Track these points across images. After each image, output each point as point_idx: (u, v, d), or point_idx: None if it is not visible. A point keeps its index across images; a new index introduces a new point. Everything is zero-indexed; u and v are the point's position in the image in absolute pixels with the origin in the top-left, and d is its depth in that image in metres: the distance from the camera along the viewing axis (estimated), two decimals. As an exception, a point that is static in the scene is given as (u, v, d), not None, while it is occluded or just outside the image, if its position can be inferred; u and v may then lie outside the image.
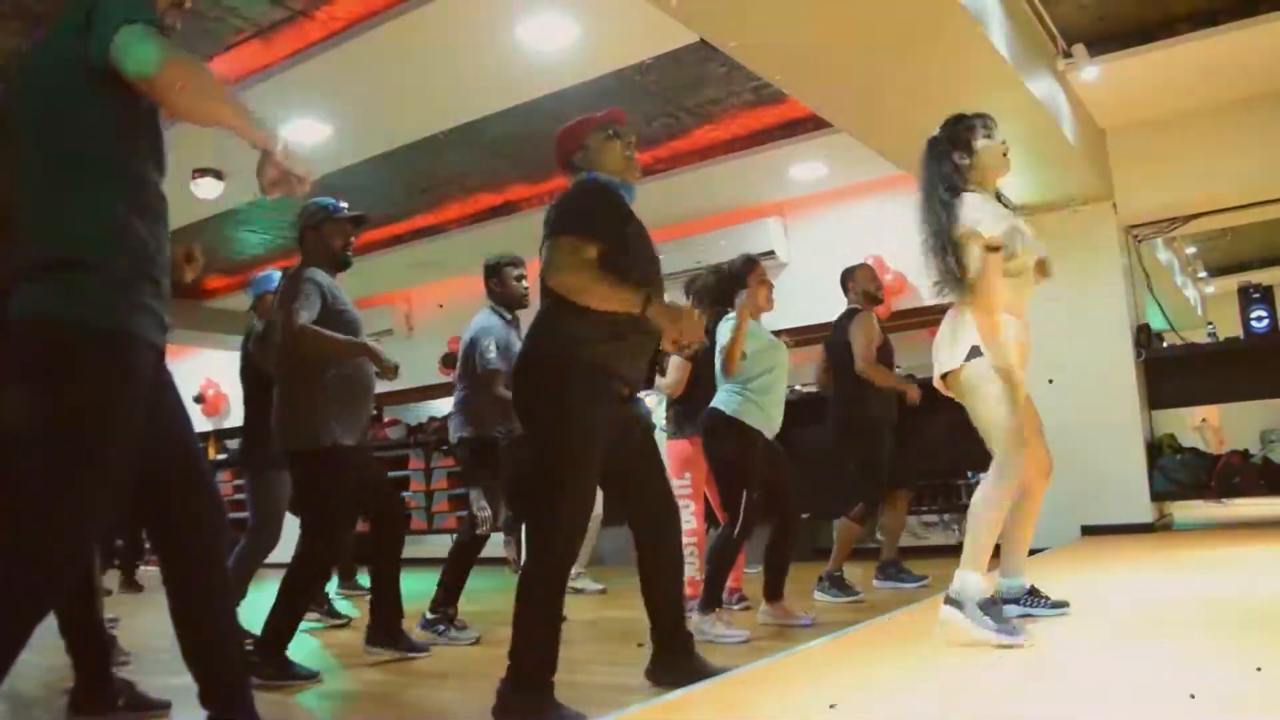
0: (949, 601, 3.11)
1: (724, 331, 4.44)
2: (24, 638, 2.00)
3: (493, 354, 4.74)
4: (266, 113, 6.49)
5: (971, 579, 3.08)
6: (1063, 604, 3.54)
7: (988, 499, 3.14)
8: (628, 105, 6.95)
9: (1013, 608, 3.42)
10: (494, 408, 4.75)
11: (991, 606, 3.04)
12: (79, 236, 2.13)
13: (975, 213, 3.24)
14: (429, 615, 4.55)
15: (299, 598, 3.78)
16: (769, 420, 4.42)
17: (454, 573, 4.64)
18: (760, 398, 4.40)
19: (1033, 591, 3.56)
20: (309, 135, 6.88)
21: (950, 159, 3.39)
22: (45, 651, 2.85)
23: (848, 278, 5.80)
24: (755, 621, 4.48)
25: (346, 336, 3.81)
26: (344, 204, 4.07)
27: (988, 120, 3.44)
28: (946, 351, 3.31)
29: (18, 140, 2.20)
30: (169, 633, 2.29)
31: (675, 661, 3.06)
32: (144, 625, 5.35)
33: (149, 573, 8.11)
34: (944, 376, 3.33)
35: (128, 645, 4.22)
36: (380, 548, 4.10)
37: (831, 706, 2.31)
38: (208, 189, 7.37)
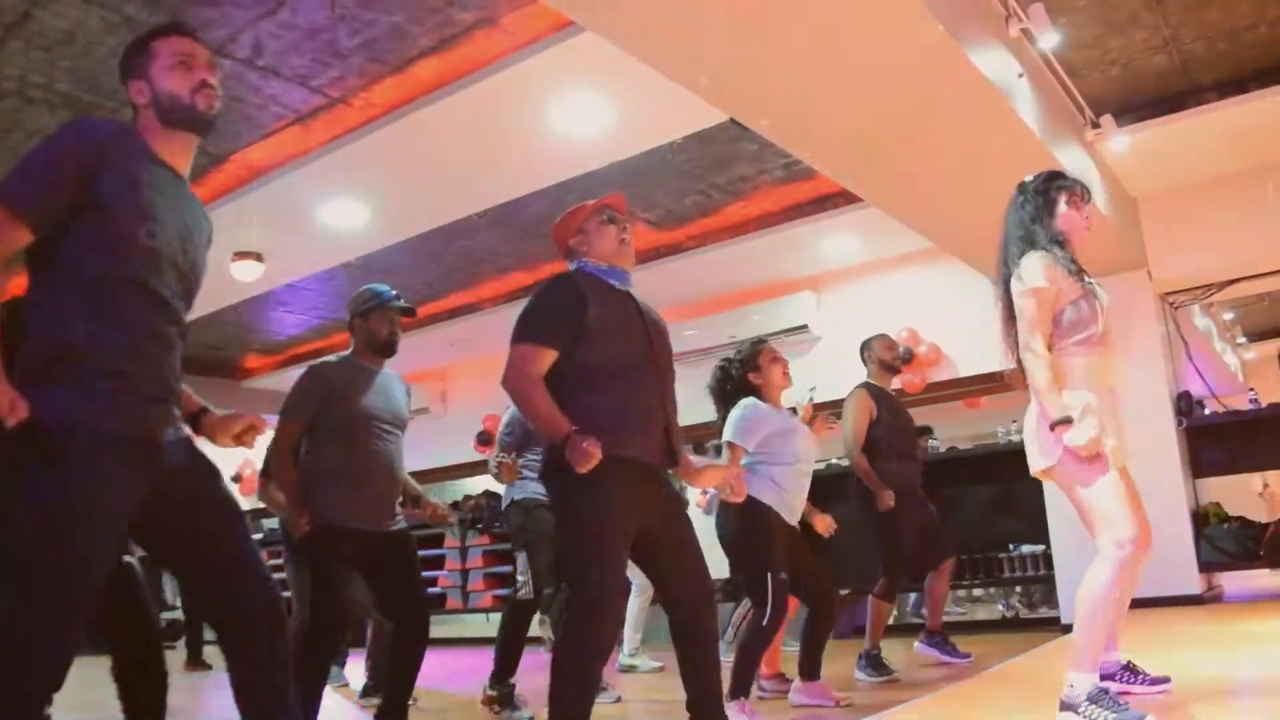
0: (1063, 708, 2.97)
1: (731, 419, 4.41)
2: None
3: None
4: (306, 197, 6.66)
5: (1080, 680, 2.94)
6: (1163, 679, 3.42)
7: (1099, 591, 2.97)
8: (659, 183, 7.11)
9: (1109, 684, 3.22)
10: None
11: (1103, 697, 2.90)
12: None
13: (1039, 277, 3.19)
14: (489, 691, 4.50)
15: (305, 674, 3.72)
16: (786, 505, 4.30)
17: (503, 641, 4.60)
18: (780, 481, 4.30)
19: (1129, 667, 3.45)
20: (347, 218, 7.02)
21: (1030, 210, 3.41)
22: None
23: (864, 349, 5.76)
24: (787, 703, 4.40)
25: (285, 499, 3.86)
26: (394, 292, 4.13)
27: (1077, 189, 3.44)
28: (1035, 445, 3.19)
29: None
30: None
31: None
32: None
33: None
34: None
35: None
36: (401, 650, 3.99)
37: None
38: (247, 271, 7.50)
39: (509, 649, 4.62)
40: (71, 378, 2.13)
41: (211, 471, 2.39)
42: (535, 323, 2.94)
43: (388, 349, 4.05)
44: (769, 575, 4.08)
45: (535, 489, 4.70)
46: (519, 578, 4.65)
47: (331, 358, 4.08)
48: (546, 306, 2.96)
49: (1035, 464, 3.19)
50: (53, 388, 2.10)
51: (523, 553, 4.73)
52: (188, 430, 2.42)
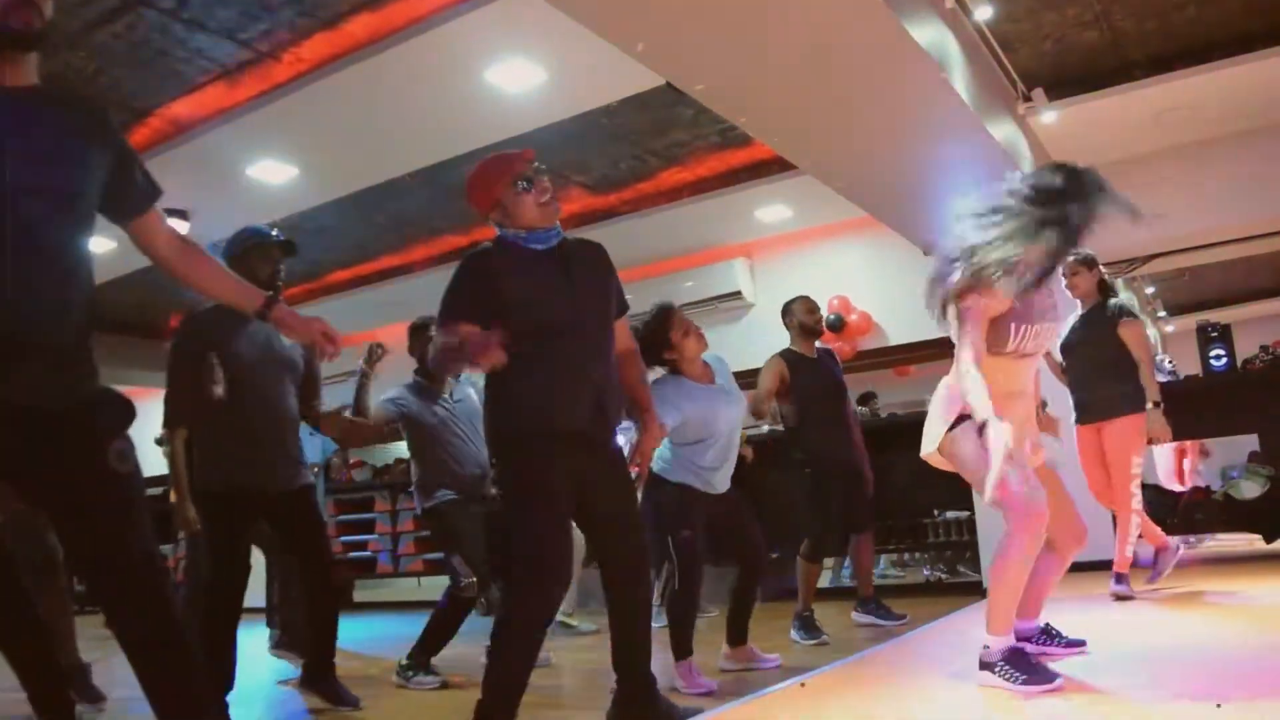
0: (982, 667, 3.05)
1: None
2: None
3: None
4: (233, 154, 6.50)
5: (994, 641, 3.03)
6: (1079, 642, 3.52)
7: (1001, 560, 3.02)
8: (594, 147, 7.06)
9: (1026, 647, 3.27)
10: (438, 472, 4.71)
11: (1018, 657, 2.98)
12: None
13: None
14: (403, 662, 4.47)
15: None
16: (707, 483, 4.25)
17: (437, 635, 4.55)
18: (692, 459, 4.24)
19: (1046, 630, 3.54)
20: (275, 176, 6.87)
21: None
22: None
23: (784, 312, 5.74)
24: (715, 668, 4.41)
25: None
26: (274, 230, 3.97)
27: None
28: (926, 434, 3.39)
29: None
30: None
31: (637, 707, 3.04)
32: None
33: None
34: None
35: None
36: (309, 595, 4.00)
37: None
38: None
39: (438, 636, 4.53)
40: None
41: (88, 450, 2.11)
42: (446, 305, 3.08)
43: (269, 290, 3.94)
44: (669, 538, 4.08)
45: (441, 493, 4.67)
46: (461, 579, 4.55)
47: (202, 308, 3.81)
48: (455, 288, 3.08)
49: (924, 448, 3.43)
50: None
51: (455, 555, 4.62)
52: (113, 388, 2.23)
